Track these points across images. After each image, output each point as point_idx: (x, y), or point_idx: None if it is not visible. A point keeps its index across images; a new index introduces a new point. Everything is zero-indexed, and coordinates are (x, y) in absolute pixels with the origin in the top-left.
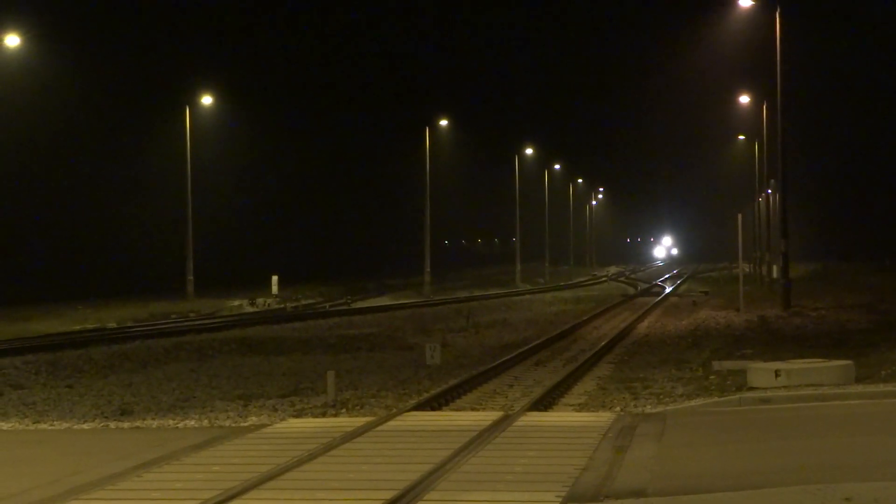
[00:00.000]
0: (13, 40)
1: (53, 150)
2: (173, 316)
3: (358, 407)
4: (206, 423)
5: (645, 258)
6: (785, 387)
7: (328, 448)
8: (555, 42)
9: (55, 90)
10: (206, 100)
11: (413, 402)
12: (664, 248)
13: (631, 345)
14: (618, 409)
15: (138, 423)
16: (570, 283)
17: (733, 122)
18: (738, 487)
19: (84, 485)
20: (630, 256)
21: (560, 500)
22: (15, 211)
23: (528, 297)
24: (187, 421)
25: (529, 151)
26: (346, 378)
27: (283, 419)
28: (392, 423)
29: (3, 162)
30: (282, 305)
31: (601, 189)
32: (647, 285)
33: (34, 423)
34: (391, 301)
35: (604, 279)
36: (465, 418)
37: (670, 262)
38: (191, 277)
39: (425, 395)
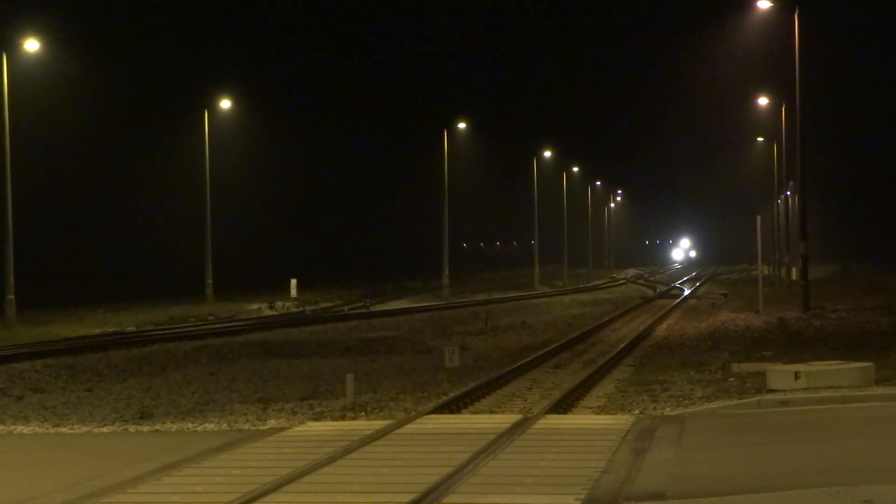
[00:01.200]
0: (32, 45)
1: (73, 154)
2: (192, 319)
3: (377, 410)
4: (225, 426)
5: (663, 260)
6: (804, 389)
7: (347, 451)
8: (573, 44)
9: (74, 94)
10: (225, 103)
11: (432, 404)
12: (682, 250)
13: (650, 347)
14: (637, 411)
15: (158, 427)
16: (588, 285)
17: (752, 124)
18: (758, 490)
19: (104, 488)
20: (649, 259)
21: (579, 502)
22: (35, 215)
23: (546, 299)
24: (206, 424)
25: (548, 154)
26: (364, 381)
27: (302, 422)
28: (411, 426)
29: (24, 165)
30: (300, 309)
31: (619, 191)
32: (665, 287)
33: (54, 426)
34: (410, 304)
35: (622, 282)
36: (485, 421)
37: (688, 264)
38: (209, 281)
39: (444, 398)
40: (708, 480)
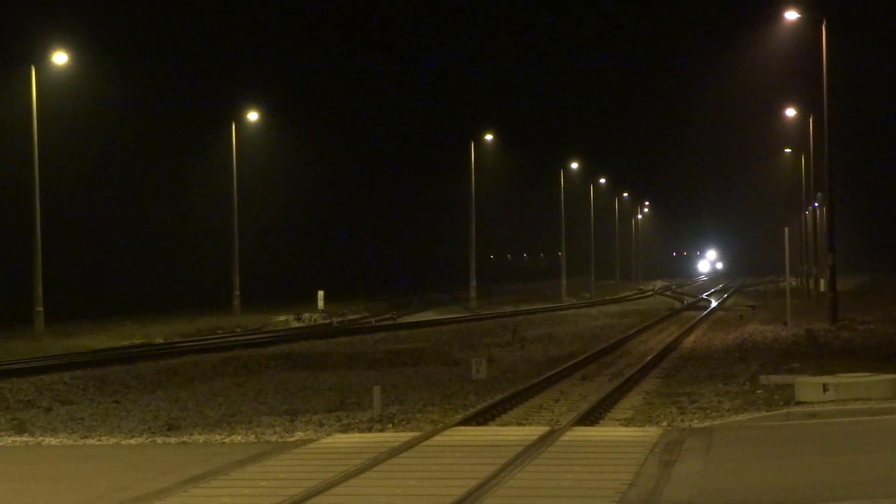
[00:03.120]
0: (61, 57)
1: (100, 166)
2: (220, 331)
3: (404, 422)
4: (252, 438)
5: (690, 272)
6: (833, 401)
7: (374, 463)
8: (600, 56)
9: (102, 106)
10: (252, 115)
11: (459, 416)
12: (708, 261)
13: (677, 359)
14: (664, 423)
15: (185, 439)
16: (616, 297)
17: (780, 136)
18: (786, 503)
19: (131, 500)
20: (676, 270)
21: None
22: (63, 226)
23: (573, 311)
24: (234, 436)
25: (575, 165)
26: (392, 393)
27: (329, 434)
28: (438, 438)
29: (53, 177)
30: (328, 320)
31: (647, 203)
32: (693, 299)
33: (82, 438)
34: (437, 316)
35: (650, 293)
36: (512, 433)
37: (715, 276)
38: (237, 293)
39: (471, 410)
40: (736, 493)
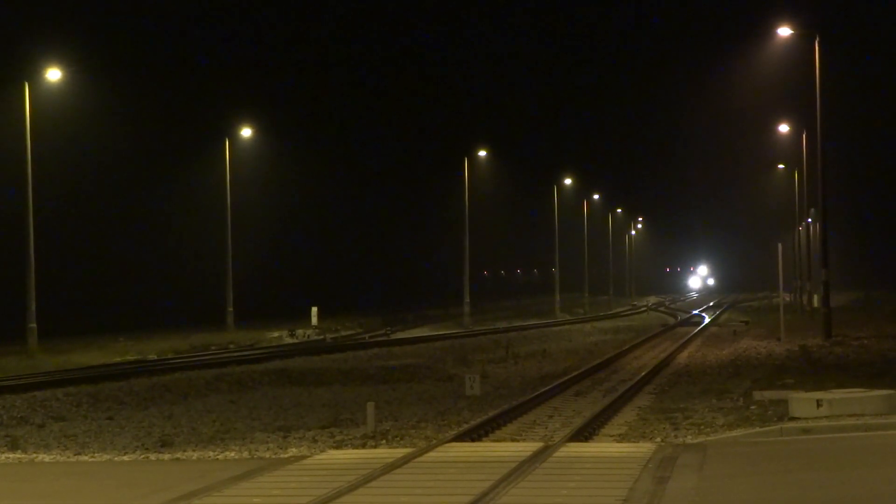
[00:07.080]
0: (55, 74)
1: (94, 182)
2: (213, 347)
3: (398, 438)
4: (246, 454)
5: (682, 288)
6: (827, 417)
7: (368, 479)
8: (594, 73)
9: (96, 123)
10: (246, 132)
11: (453, 433)
12: (699, 277)
13: (671, 375)
14: (658, 439)
15: (179, 455)
16: (609, 313)
17: (773, 151)
18: None
19: None
20: (669, 286)
21: None
22: (57, 243)
23: (567, 327)
24: (227, 452)
25: (568, 181)
26: (385, 409)
27: (322, 450)
28: (432, 455)
29: (46, 194)
30: (321, 337)
31: (640, 219)
32: (686, 315)
33: (75, 454)
34: (430, 332)
35: (643, 309)
36: (505, 449)
37: (707, 292)
38: (231, 309)
39: (465, 426)
40: None
